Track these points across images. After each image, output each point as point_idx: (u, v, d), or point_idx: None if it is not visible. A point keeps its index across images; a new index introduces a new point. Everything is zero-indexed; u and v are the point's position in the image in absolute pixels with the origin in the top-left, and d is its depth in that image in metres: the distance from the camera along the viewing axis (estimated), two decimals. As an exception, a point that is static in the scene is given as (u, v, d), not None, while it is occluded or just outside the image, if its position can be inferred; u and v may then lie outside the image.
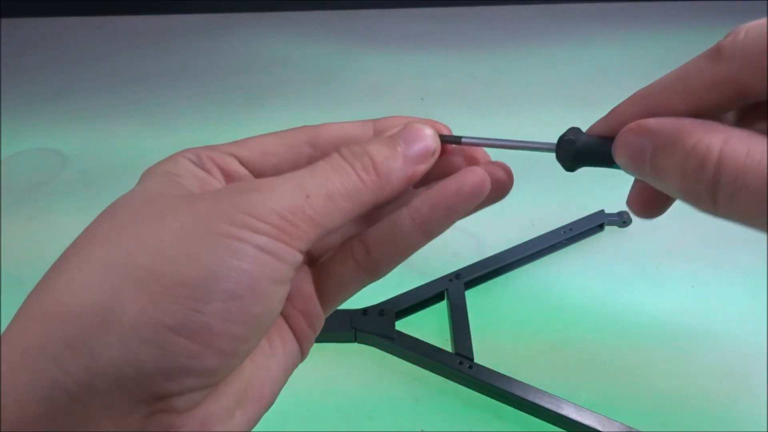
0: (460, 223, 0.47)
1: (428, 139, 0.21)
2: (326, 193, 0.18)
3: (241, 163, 0.22)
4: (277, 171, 0.22)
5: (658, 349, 0.36)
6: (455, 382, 0.34)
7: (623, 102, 0.21)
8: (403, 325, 0.35)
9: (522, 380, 0.32)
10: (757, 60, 0.17)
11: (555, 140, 0.22)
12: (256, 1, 0.81)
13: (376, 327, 0.33)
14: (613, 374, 0.34)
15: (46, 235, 0.45)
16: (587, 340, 0.36)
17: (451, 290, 0.37)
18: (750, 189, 0.16)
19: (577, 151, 0.21)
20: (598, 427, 0.30)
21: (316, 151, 0.22)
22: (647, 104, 0.20)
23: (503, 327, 0.37)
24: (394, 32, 0.76)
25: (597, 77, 0.64)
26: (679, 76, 0.19)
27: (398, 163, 0.20)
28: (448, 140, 0.24)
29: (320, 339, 0.32)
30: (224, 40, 0.75)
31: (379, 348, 0.35)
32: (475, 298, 0.38)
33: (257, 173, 0.22)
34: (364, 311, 0.35)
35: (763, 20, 0.17)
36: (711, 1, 0.81)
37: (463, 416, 0.32)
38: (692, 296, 0.39)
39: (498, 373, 0.32)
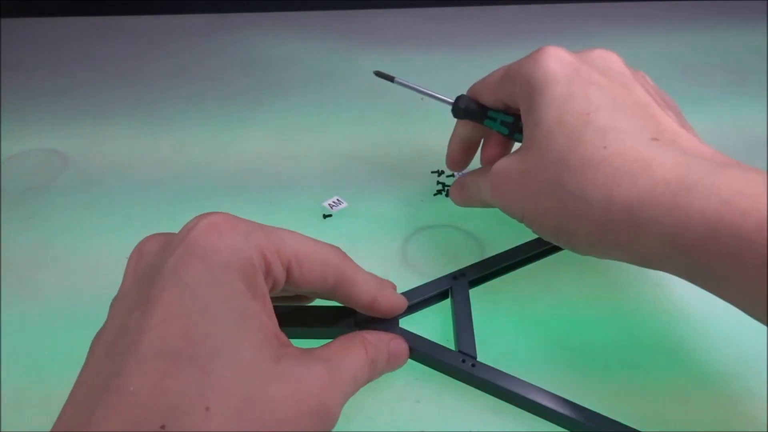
0: (462, 224, 0.47)
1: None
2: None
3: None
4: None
5: (659, 348, 0.36)
6: (458, 379, 0.34)
7: (477, 83, 0.37)
8: (407, 323, 0.35)
9: (524, 379, 0.32)
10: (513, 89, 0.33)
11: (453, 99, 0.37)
12: (256, 1, 0.81)
13: (380, 324, 0.33)
14: (614, 374, 0.34)
15: (47, 235, 0.45)
16: (589, 340, 0.36)
17: (455, 288, 0.37)
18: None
19: (460, 110, 0.37)
20: (599, 427, 0.30)
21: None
22: (477, 89, 0.37)
23: (506, 326, 0.37)
24: (394, 32, 0.76)
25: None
26: (491, 77, 0.36)
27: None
28: (383, 76, 0.39)
29: (323, 336, 0.32)
30: (224, 40, 0.75)
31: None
32: (478, 297, 0.38)
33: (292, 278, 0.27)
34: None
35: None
36: (711, 0, 0.81)
37: (465, 415, 0.32)
38: (692, 297, 0.39)
39: (500, 371, 0.32)
